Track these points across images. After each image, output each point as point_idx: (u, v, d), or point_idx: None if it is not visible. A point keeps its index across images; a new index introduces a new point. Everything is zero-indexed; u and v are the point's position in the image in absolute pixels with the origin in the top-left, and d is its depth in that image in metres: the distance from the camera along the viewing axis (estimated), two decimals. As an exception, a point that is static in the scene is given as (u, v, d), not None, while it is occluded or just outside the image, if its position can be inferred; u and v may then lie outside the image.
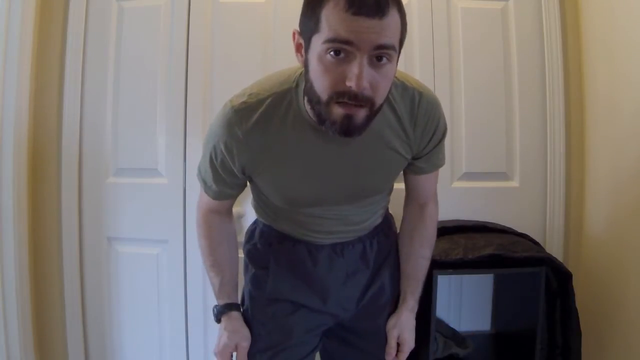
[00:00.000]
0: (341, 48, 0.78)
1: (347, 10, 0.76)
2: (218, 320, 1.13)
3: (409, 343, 1.16)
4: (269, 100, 0.94)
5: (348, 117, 0.83)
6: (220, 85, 1.71)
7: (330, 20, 0.78)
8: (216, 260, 1.14)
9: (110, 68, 1.75)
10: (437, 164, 1.11)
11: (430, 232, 1.18)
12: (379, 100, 0.84)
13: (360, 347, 1.20)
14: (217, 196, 1.09)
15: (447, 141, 1.70)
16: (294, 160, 0.98)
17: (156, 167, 1.75)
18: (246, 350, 1.10)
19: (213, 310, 1.14)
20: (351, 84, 0.79)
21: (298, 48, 0.88)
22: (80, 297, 1.79)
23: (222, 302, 1.13)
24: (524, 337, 1.56)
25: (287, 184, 1.02)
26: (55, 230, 1.76)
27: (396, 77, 0.95)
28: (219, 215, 1.14)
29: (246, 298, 1.19)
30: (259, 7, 1.72)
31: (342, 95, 0.81)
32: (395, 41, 0.81)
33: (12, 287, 1.61)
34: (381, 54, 0.80)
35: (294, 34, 0.88)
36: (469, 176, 1.77)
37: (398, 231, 1.25)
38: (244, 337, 1.11)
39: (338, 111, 0.83)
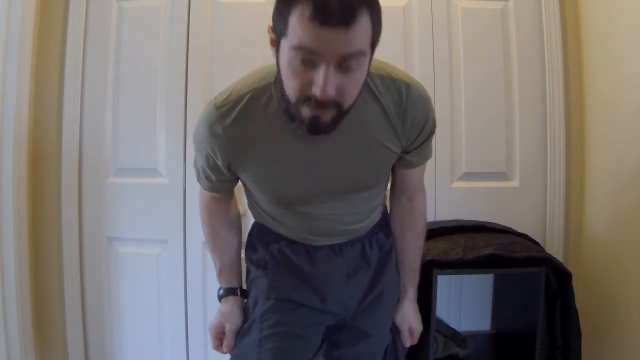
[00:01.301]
0: (306, 56, 0.78)
1: (312, 20, 0.74)
2: (220, 301, 1.20)
3: (419, 328, 1.25)
4: (248, 96, 0.95)
5: (315, 118, 0.84)
6: (220, 85, 1.66)
7: (297, 28, 0.77)
8: (216, 246, 1.20)
9: (110, 68, 1.75)
10: (427, 156, 1.11)
11: (421, 225, 1.21)
12: (347, 102, 0.85)
13: (355, 348, 1.18)
14: (208, 189, 1.12)
15: (447, 141, 1.73)
16: (277, 154, 0.98)
17: (156, 167, 1.75)
18: (232, 334, 1.15)
19: (218, 291, 1.21)
20: (316, 91, 0.80)
21: (272, 42, 0.88)
22: (80, 297, 1.79)
23: (222, 286, 1.20)
24: (524, 337, 1.56)
25: (271, 180, 1.02)
26: (55, 230, 1.76)
27: (382, 69, 0.95)
28: (217, 202, 1.17)
29: (249, 299, 1.18)
30: (259, 7, 1.72)
31: (308, 99, 0.82)
32: (364, 46, 0.80)
33: (12, 287, 1.61)
34: (348, 61, 0.80)
35: (268, 28, 0.88)
36: (469, 176, 1.77)
37: None
38: (232, 321, 1.15)
39: (305, 111, 0.84)
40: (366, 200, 1.10)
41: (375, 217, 1.18)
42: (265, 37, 1.80)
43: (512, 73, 1.75)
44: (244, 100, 0.95)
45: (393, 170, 1.13)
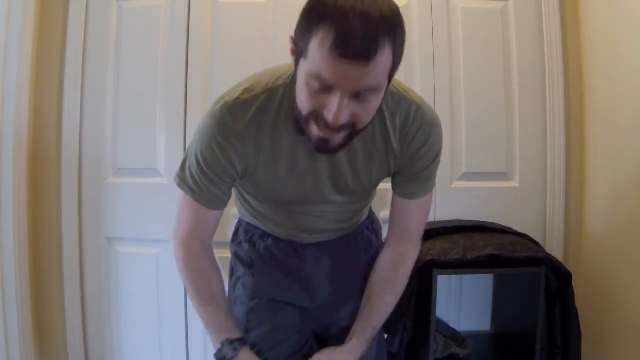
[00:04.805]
0: (322, 84, 0.77)
1: (332, 51, 0.72)
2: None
3: None
4: (263, 97, 0.93)
5: (324, 140, 0.83)
6: (220, 85, 1.68)
7: (316, 56, 0.75)
8: (214, 294, 1.04)
9: (110, 68, 1.75)
10: (427, 189, 1.06)
11: (399, 278, 1.11)
12: (361, 124, 0.84)
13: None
14: (210, 203, 1.01)
15: (447, 141, 1.72)
16: (286, 158, 0.97)
17: (156, 167, 1.75)
18: None
19: (220, 353, 1.01)
20: (329, 117, 0.79)
21: (292, 52, 0.86)
22: (80, 297, 1.79)
23: (233, 337, 1.02)
24: (524, 337, 1.56)
25: (275, 183, 1.00)
26: (55, 230, 1.76)
27: (395, 85, 0.94)
28: (200, 243, 1.05)
29: (231, 296, 1.17)
30: (259, 7, 1.72)
31: (320, 118, 0.81)
32: (381, 79, 0.79)
33: (12, 287, 1.61)
34: (364, 93, 0.78)
35: (290, 39, 0.85)
36: (469, 176, 1.77)
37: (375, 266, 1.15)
38: None
39: (315, 131, 0.83)
40: (358, 202, 1.12)
41: (363, 215, 1.19)
42: (265, 38, 1.81)
43: (512, 73, 1.75)
44: (259, 101, 0.93)
45: (392, 202, 1.09)
